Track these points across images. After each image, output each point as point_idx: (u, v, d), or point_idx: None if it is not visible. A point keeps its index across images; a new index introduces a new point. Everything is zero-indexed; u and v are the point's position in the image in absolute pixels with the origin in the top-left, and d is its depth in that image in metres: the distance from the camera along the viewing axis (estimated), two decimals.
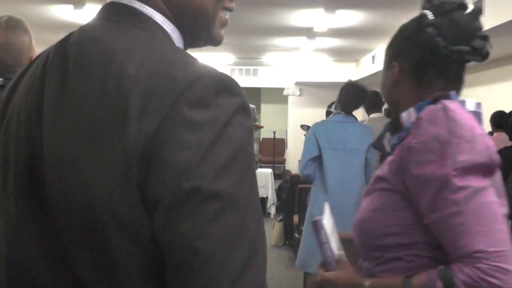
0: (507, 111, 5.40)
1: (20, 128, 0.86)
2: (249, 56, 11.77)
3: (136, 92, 0.76)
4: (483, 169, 1.30)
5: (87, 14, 7.25)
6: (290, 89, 12.82)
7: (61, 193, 0.79)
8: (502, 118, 5.68)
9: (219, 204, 0.74)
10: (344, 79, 13.85)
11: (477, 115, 1.44)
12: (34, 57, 1.95)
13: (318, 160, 4.15)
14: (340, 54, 11.13)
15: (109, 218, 0.76)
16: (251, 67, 12.97)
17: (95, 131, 0.77)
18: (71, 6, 6.97)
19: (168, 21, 0.89)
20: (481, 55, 1.49)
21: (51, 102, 0.82)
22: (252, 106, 10.60)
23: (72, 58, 0.84)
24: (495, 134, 5.67)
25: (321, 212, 1.95)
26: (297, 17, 7.55)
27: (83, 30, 0.88)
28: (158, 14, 0.88)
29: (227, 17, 0.96)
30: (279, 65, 12.04)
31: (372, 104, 5.76)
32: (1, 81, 1.89)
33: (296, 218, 6.24)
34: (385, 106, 9.52)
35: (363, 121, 6.15)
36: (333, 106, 4.90)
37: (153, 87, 0.76)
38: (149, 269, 0.77)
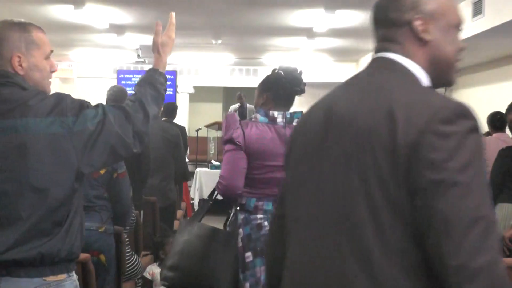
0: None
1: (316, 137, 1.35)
2: (249, 56, 11.78)
3: (400, 112, 1.19)
4: (230, 141, 2.77)
5: (87, 14, 7.26)
6: None
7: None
8: (500, 119, 5.67)
9: (459, 191, 1.12)
10: (344, 79, 13.81)
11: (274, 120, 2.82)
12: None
13: None
14: (340, 54, 11.14)
15: (384, 201, 1.18)
16: (251, 67, 12.97)
17: (369, 134, 1.21)
18: (71, 6, 6.97)
19: (421, 70, 1.32)
20: (303, 92, 2.94)
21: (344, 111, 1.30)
22: (250, 106, 10.58)
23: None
24: (494, 134, 5.65)
25: None
26: (297, 17, 7.55)
27: (368, 75, 1.36)
28: (414, 64, 1.32)
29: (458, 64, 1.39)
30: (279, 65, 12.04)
31: None
32: None
33: None
34: None
35: None
36: None
37: (411, 110, 1.18)
38: (408, 237, 1.18)
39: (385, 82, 1.29)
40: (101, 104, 1.94)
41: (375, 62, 1.38)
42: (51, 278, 1.84)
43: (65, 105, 1.86)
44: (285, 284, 1.37)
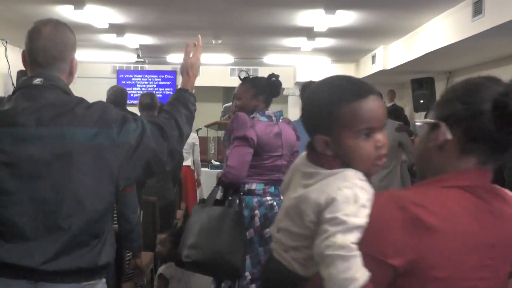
0: None
1: None
2: (249, 56, 11.77)
3: None
4: (243, 139, 3.18)
5: (87, 15, 7.26)
6: (290, 89, 12.81)
7: None
8: None
9: None
10: None
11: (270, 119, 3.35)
12: (75, 61, 1.96)
13: None
14: (340, 54, 11.13)
15: None
16: (251, 67, 12.97)
17: None
18: (71, 7, 6.97)
19: None
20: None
21: None
22: None
23: None
24: None
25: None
26: (297, 17, 7.55)
27: None
28: None
29: None
30: (279, 65, 12.04)
31: None
32: (40, 81, 1.86)
33: None
34: (388, 104, 9.49)
35: None
36: None
37: None
38: None
39: None
40: (140, 118, 1.92)
41: None
42: (85, 284, 1.84)
43: (110, 116, 1.84)
44: None
